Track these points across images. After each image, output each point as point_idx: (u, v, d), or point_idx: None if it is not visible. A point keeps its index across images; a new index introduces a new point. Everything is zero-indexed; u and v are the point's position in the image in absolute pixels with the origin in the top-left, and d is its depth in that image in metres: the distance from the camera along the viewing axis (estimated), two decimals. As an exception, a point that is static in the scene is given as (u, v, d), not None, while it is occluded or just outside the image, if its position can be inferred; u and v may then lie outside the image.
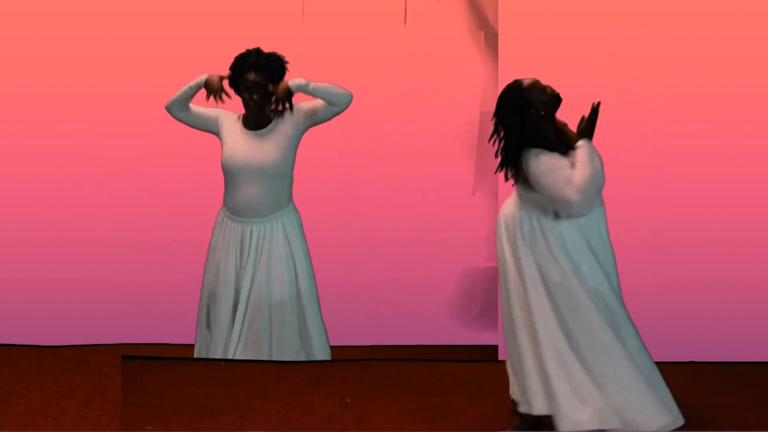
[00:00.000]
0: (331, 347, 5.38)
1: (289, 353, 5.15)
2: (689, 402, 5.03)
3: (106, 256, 5.81)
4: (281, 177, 5.09)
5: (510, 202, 4.59)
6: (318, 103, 5.05)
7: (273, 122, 5.09)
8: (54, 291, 5.77)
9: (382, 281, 5.90)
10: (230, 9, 5.83)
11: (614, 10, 5.65)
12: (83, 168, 5.79)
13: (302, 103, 5.09)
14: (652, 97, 5.64)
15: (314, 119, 5.08)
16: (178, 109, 5.12)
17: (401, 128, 5.90)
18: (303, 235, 5.20)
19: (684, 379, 5.33)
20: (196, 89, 5.08)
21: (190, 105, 5.14)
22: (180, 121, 5.17)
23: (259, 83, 5.02)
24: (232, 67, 5.08)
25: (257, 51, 5.07)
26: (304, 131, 5.11)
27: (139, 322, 5.79)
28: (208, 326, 5.22)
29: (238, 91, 5.10)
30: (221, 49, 5.59)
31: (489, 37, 5.90)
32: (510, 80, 4.54)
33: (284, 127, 5.08)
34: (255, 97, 5.03)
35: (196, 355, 5.31)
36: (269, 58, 5.06)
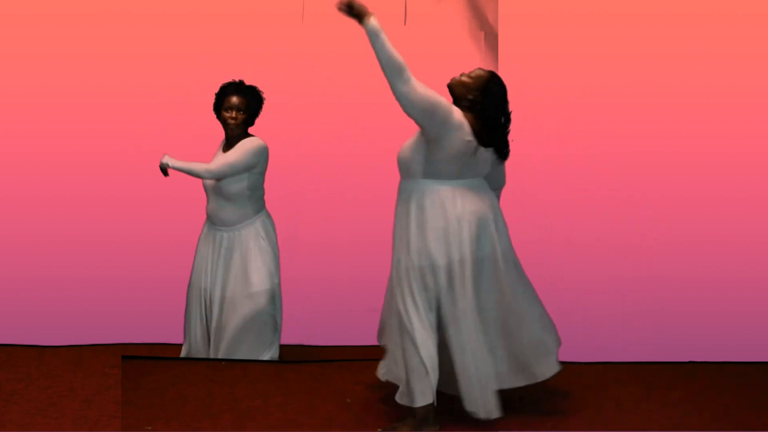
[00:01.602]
0: (331, 347, 5.38)
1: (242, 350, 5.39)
2: (688, 402, 5.03)
3: (105, 256, 5.81)
4: (238, 194, 5.35)
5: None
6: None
7: (236, 146, 5.35)
8: (54, 291, 5.77)
9: (382, 281, 5.89)
10: (230, 9, 5.84)
11: (614, 10, 5.66)
12: (83, 168, 5.79)
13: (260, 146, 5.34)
14: (651, 97, 5.64)
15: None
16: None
17: (401, 128, 5.89)
18: (270, 239, 5.44)
19: (684, 379, 5.33)
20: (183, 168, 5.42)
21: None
22: None
23: (238, 105, 5.34)
24: (216, 95, 5.39)
25: (239, 81, 5.39)
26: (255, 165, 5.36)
27: (139, 322, 5.79)
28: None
29: (219, 114, 5.38)
30: (221, 49, 5.61)
31: (489, 37, 5.91)
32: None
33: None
34: (234, 114, 5.33)
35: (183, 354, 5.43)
36: (249, 86, 5.39)
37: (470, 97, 4.59)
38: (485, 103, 4.58)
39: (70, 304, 5.77)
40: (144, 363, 5.43)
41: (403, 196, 4.64)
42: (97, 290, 5.80)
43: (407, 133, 5.90)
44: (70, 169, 5.79)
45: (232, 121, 5.33)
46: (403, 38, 5.87)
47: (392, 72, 4.36)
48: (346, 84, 5.49)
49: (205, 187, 5.41)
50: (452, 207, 4.52)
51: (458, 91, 4.63)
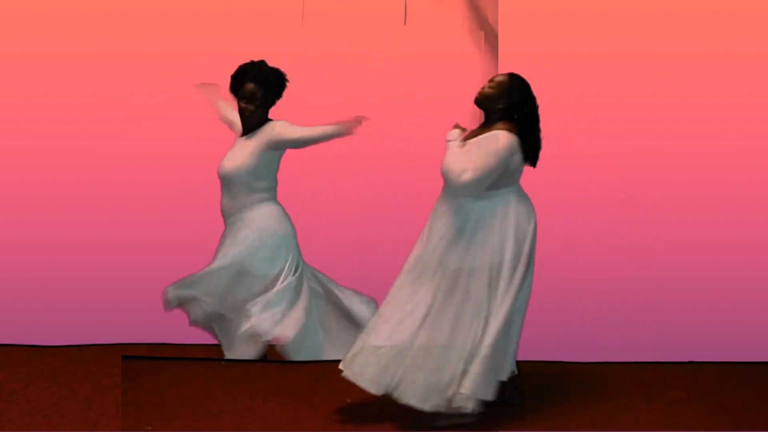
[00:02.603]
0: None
1: None
2: (688, 402, 5.03)
3: (105, 255, 5.80)
4: (242, 184, 5.24)
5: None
6: (291, 133, 5.18)
7: (253, 132, 5.25)
8: (54, 291, 5.77)
9: (384, 281, 5.89)
10: (230, 9, 5.84)
11: (614, 10, 5.66)
12: (83, 168, 5.79)
13: (280, 125, 5.22)
14: (652, 97, 5.64)
15: (278, 146, 5.22)
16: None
17: (401, 128, 5.90)
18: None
19: (684, 379, 5.33)
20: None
21: (226, 108, 5.45)
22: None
23: (254, 94, 5.22)
24: (234, 75, 5.26)
25: (260, 64, 5.24)
26: (271, 149, 5.22)
27: (139, 322, 5.79)
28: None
29: (236, 98, 5.29)
30: (221, 49, 5.60)
31: (489, 37, 5.90)
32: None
33: (257, 139, 5.23)
34: (250, 107, 5.23)
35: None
36: (269, 73, 5.24)
37: (499, 106, 4.64)
38: (515, 107, 4.63)
39: (70, 304, 5.77)
40: (144, 363, 5.43)
41: (448, 201, 4.70)
42: (97, 290, 5.79)
43: (407, 134, 5.91)
44: (70, 169, 5.79)
45: (248, 114, 5.24)
46: (403, 38, 5.90)
47: (452, 171, 4.59)
48: (347, 84, 5.48)
49: (220, 176, 5.32)
50: (500, 221, 4.63)
51: (486, 105, 4.67)
